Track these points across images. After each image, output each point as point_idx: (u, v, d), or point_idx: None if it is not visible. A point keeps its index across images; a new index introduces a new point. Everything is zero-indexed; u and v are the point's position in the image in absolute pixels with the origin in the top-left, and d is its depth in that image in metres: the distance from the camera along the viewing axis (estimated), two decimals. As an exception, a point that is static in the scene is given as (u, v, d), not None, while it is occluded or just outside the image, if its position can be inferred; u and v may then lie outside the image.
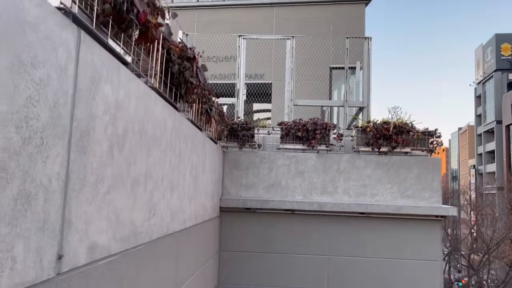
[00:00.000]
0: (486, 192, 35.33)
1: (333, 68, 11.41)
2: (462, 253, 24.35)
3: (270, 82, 12.26)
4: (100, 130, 1.80)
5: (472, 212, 26.20)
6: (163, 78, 2.73)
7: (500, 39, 47.61)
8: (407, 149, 5.72)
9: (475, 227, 23.44)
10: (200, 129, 4.04)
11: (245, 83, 8.30)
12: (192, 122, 3.67)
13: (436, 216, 5.56)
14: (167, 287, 3.09)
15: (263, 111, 13.55)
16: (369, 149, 5.73)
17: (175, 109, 3.07)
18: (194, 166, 3.82)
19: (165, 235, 2.95)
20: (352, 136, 5.87)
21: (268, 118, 12.71)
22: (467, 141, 57.76)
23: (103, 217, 1.87)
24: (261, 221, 5.71)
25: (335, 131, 5.79)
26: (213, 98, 4.23)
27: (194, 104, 3.63)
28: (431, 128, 5.80)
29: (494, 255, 19.98)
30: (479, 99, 51.46)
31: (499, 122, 44.60)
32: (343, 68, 10.99)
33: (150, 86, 2.51)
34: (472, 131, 54.94)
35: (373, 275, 5.53)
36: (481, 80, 50.56)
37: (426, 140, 5.82)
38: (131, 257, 2.29)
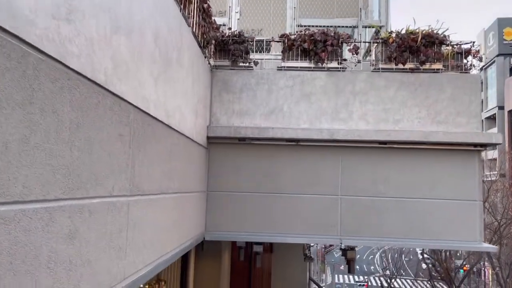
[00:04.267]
0: (488, 179, 34.45)
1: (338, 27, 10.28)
2: None
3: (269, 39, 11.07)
4: None
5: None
6: None
7: (502, 23, 46.34)
8: (438, 66, 4.62)
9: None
10: (173, -8, 2.92)
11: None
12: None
13: (475, 146, 4.48)
14: (116, 171, 1.99)
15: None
16: (392, 65, 4.63)
17: None
18: (161, 35, 2.72)
19: (102, 86, 1.85)
20: (370, 51, 4.77)
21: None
22: (467, 129, 56.73)
23: None
24: (258, 154, 4.61)
25: (349, 43, 4.68)
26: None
27: None
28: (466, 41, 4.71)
29: (505, 234, 19.05)
30: (481, 85, 50.47)
31: (501, 107, 43.68)
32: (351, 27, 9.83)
33: None
34: (473, 118, 53.89)
35: (395, 218, 4.47)
36: (483, 66, 49.48)
37: (460, 57, 4.74)
38: (14, 63, 1.20)
